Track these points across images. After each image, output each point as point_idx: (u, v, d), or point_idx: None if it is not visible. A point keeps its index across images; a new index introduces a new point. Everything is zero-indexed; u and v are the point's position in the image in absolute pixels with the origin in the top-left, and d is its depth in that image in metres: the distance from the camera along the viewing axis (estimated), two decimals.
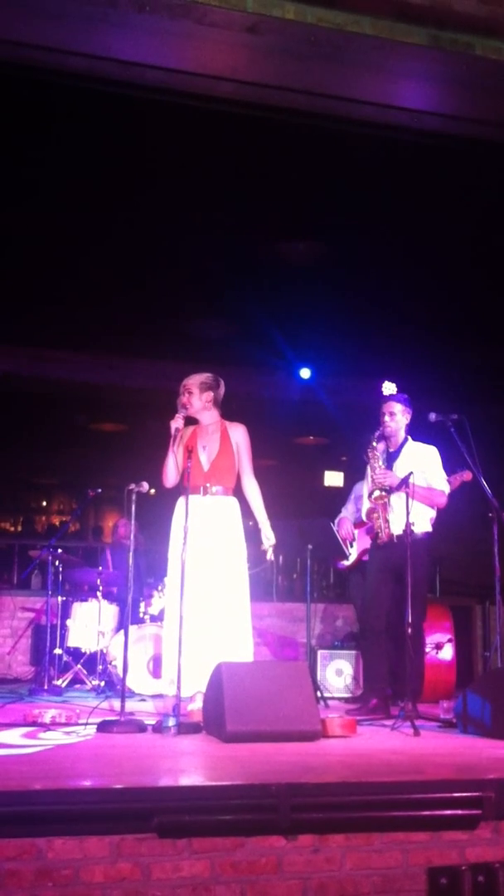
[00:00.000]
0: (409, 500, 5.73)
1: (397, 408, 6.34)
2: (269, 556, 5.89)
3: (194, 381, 5.83)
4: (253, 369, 11.28)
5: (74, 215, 7.67)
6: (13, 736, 4.70)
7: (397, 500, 6.05)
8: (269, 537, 5.84)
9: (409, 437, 6.38)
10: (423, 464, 6.18)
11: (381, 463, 6.31)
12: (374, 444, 6.36)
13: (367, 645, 6.42)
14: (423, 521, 6.15)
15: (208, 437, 5.84)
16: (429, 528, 6.25)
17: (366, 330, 9.51)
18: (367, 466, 6.57)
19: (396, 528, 6.07)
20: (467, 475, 6.58)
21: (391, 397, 6.43)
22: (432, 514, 6.29)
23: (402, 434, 6.35)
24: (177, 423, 5.65)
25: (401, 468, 6.13)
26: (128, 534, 8.44)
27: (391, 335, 9.51)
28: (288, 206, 7.75)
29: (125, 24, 5.07)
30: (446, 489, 6.26)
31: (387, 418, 6.34)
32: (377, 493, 6.22)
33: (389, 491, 6.17)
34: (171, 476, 5.76)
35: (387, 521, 6.18)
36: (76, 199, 7.43)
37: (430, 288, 8.70)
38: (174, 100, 5.76)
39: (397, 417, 6.33)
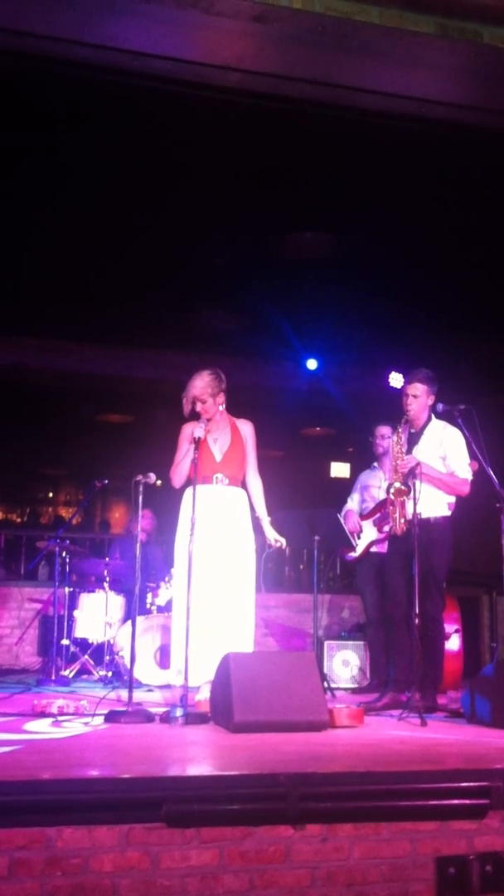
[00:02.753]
0: (419, 485, 5.66)
1: (420, 389, 6.11)
2: (279, 544, 5.89)
3: (202, 388, 5.72)
4: (260, 360, 11.28)
5: (82, 208, 7.67)
6: (21, 726, 4.72)
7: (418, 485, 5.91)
8: (275, 536, 5.85)
9: (433, 417, 6.17)
10: (445, 447, 6.01)
11: (404, 450, 6.09)
12: (400, 430, 6.16)
13: (388, 635, 6.36)
14: (440, 505, 6.02)
15: (218, 429, 5.84)
16: (447, 513, 6.06)
17: (373, 320, 9.49)
18: (381, 456, 6.52)
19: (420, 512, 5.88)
20: (474, 465, 6.55)
21: (415, 377, 6.17)
22: (451, 498, 6.12)
23: (424, 414, 6.15)
24: (199, 432, 5.54)
25: (422, 451, 5.99)
26: (150, 526, 8.50)
27: (399, 326, 9.49)
28: (296, 198, 7.73)
29: (132, 13, 5.06)
30: (469, 476, 6.05)
31: (410, 399, 6.11)
32: (397, 485, 6.01)
33: (410, 482, 6.02)
34: (183, 477, 5.74)
35: (403, 514, 6.00)
36: (83, 191, 7.42)
37: (438, 278, 8.68)
38: (182, 90, 5.74)
39: (420, 399, 6.10)
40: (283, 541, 5.89)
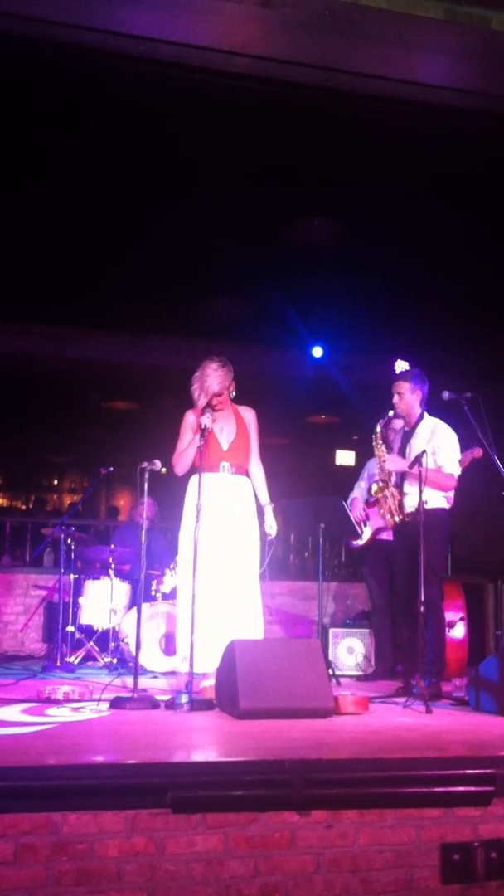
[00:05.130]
0: (422, 478, 5.68)
1: (404, 387, 6.17)
2: (269, 536, 5.90)
3: (222, 384, 5.70)
4: (266, 348, 11.28)
5: (89, 196, 7.65)
6: (27, 712, 4.73)
7: (412, 480, 5.96)
8: (272, 526, 5.85)
9: (426, 413, 6.23)
10: (435, 443, 6.04)
11: (384, 450, 6.24)
12: (378, 430, 6.26)
13: (401, 623, 6.41)
14: (436, 497, 6.04)
15: (223, 418, 5.83)
16: (444, 505, 6.10)
17: (379, 308, 9.47)
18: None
19: (411, 506, 5.99)
20: (478, 452, 6.51)
21: (398, 376, 6.27)
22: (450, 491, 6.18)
23: (416, 410, 6.19)
24: (207, 421, 5.54)
25: (417, 446, 6.01)
26: (152, 513, 8.49)
27: (405, 313, 9.47)
28: (302, 185, 7.71)
29: None
30: (455, 472, 6.08)
31: (395, 399, 6.20)
32: (375, 487, 6.19)
33: (398, 476, 6.10)
34: (187, 465, 5.73)
35: (391, 509, 6.11)
36: (90, 179, 7.41)
37: (445, 266, 8.65)
38: (189, 76, 5.73)
39: (406, 397, 6.17)
40: (272, 533, 5.89)
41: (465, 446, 6.51)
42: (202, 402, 5.70)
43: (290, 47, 5.47)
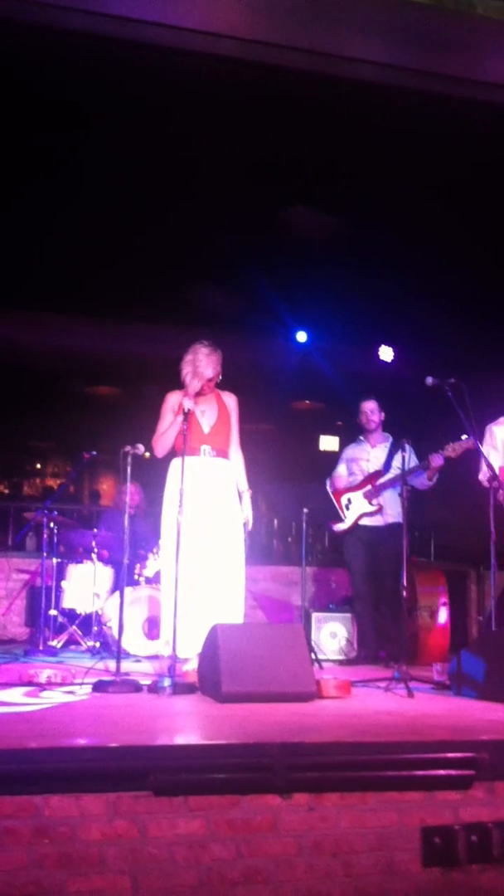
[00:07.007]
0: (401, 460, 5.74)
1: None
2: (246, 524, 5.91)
3: (216, 368, 5.73)
4: (251, 335, 11.25)
5: (74, 182, 7.59)
6: (9, 695, 4.72)
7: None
8: (248, 514, 5.85)
9: None
10: None
11: None
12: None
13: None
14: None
15: (206, 401, 5.82)
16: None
17: (364, 296, 9.46)
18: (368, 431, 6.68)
19: None
20: (470, 442, 6.51)
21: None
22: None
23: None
24: (189, 404, 5.53)
25: None
26: (138, 500, 8.47)
27: (390, 301, 9.47)
28: (289, 174, 7.68)
29: None
30: None
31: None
32: None
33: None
34: (167, 447, 5.73)
35: None
36: (75, 165, 7.35)
37: (430, 255, 8.65)
38: (175, 59, 5.70)
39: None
40: (249, 522, 5.89)
41: (451, 434, 6.53)
42: (195, 385, 5.69)
43: (275, 31, 5.46)
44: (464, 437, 6.45)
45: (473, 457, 6.07)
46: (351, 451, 7.59)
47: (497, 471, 6.14)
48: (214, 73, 5.93)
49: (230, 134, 7.00)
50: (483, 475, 6.00)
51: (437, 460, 6.67)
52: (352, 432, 7.88)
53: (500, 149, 6.72)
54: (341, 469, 7.55)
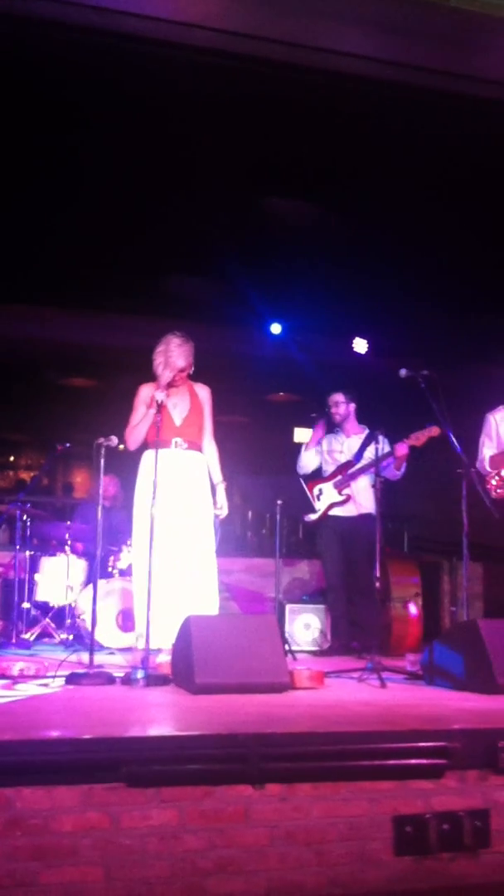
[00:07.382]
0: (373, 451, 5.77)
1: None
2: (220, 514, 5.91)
3: (188, 359, 5.74)
4: (226, 326, 11.21)
5: (47, 170, 7.54)
6: None
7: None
8: (223, 505, 5.85)
9: None
10: None
11: None
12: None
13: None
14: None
15: (178, 393, 5.82)
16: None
17: (340, 287, 9.46)
18: (339, 423, 6.70)
19: None
20: (434, 430, 6.56)
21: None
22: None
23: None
24: (161, 396, 5.54)
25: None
26: (111, 492, 8.46)
27: (365, 293, 9.47)
28: (266, 164, 7.66)
29: None
30: None
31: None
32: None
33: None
34: (139, 440, 5.73)
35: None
36: (49, 153, 7.30)
37: (406, 247, 8.65)
38: (151, 49, 5.68)
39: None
40: (223, 513, 5.90)
41: (421, 425, 6.57)
42: (166, 376, 5.69)
43: (251, 21, 5.45)
44: (428, 425, 6.51)
45: (446, 448, 6.09)
46: (327, 442, 7.61)
47: (487, 461, 6.23)
48: (193, 65, 5.91)
49: (208, 124, 6.97)
50: (480, 463, 6.13)
51: (401, 449, 6.76)
52: (328, 423, 7.90)
53: (473, 137, 6.74)
54: (311, 453, 7.54)
